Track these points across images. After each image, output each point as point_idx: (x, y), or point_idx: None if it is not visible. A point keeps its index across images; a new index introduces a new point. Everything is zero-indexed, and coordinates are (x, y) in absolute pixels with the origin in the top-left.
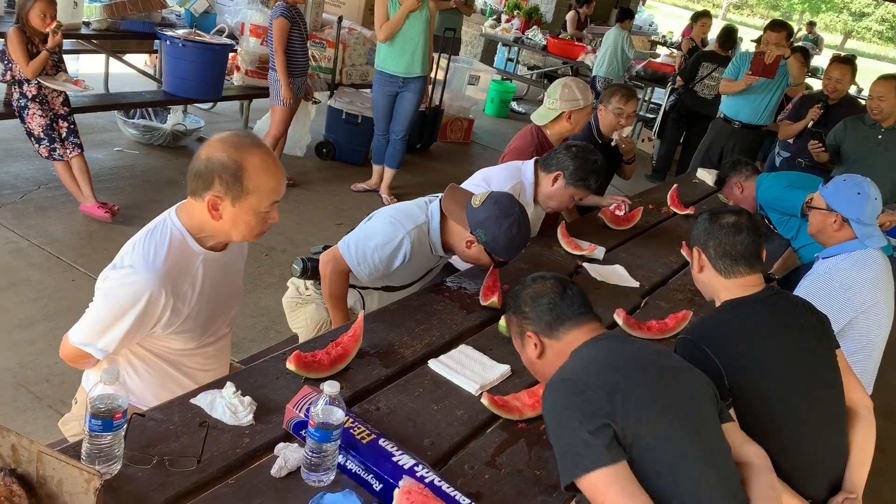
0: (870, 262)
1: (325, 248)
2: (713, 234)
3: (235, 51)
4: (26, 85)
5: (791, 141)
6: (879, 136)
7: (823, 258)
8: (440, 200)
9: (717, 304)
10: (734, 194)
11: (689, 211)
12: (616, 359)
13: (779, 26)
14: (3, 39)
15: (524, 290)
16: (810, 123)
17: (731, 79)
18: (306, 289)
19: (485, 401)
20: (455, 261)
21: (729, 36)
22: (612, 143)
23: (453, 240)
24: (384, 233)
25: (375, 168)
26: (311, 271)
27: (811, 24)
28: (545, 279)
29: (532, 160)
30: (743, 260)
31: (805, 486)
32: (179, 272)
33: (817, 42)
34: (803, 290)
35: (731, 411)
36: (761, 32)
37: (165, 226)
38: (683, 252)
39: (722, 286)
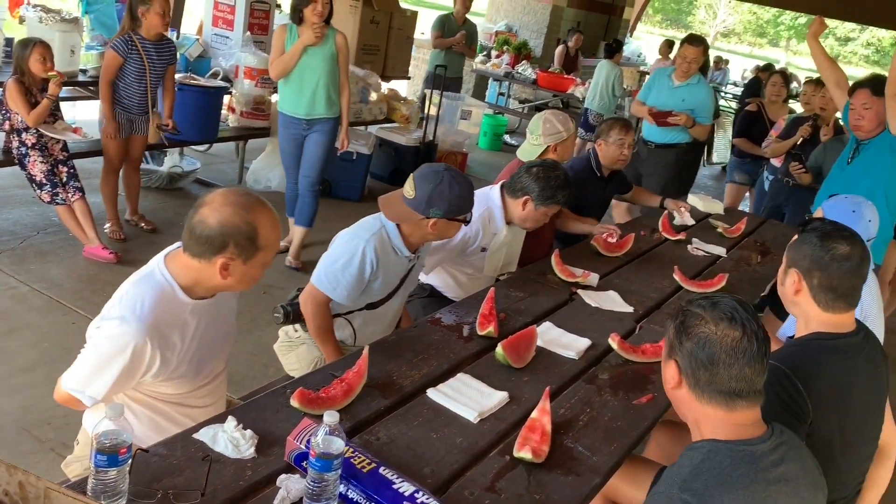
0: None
1: (299, 290)
2: (822, 264)
3: (230, 93)
4: (25, 133)
5: (778, 163)
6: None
7: None
8: (381, 217)
9: (805, 329)
10: (857, 104)
11: (681, 236)
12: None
13: (696, 41)
14: (1, 89)
15: (703, 314)
16: (800, 140)
17: (641, 101)
18: (295, 331)
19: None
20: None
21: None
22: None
23: (416, 238)
24: (345, 250)
25: (290, 220)
26: (292, 315)
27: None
28: (732, 324)
29: (498, 185)
30: (845, 298)
31: None
32: (167, 323)
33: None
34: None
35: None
36: (679, 47)
37: (153, 277)
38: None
39: (815, 316)
